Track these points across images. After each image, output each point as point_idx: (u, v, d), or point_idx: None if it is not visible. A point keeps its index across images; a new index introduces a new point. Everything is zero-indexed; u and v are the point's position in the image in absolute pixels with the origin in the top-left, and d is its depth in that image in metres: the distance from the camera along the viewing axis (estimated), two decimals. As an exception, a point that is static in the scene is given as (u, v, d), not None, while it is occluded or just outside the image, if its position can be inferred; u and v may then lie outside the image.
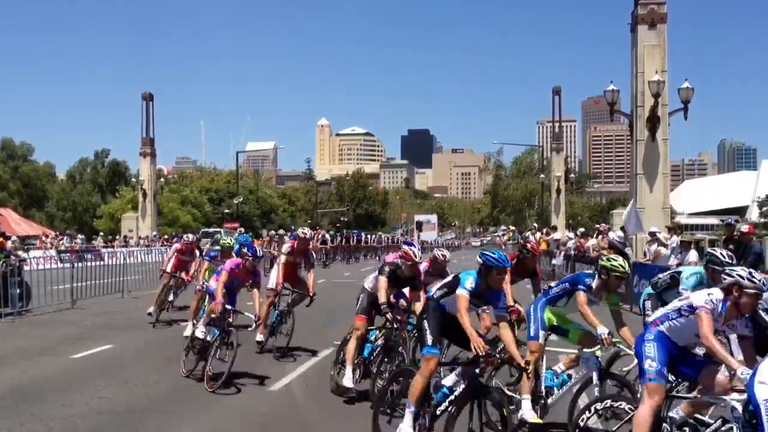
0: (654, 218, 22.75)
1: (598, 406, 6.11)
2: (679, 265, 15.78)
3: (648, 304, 7.99)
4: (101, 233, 50.96)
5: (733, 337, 5.95)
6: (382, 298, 8.24)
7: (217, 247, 14.32)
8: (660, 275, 8.12)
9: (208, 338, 9.42)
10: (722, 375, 5.57)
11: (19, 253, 17.96)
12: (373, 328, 8.80)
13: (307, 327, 11.97)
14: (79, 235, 49.33)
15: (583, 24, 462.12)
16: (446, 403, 6.22)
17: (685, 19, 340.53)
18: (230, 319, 9.15)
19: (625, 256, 19.81)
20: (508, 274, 7.64)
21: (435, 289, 6.80)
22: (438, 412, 6.24)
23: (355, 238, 47.29)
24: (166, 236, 46.85)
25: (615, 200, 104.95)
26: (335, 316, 13.92)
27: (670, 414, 5.76)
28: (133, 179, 55.81)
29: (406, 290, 8.82)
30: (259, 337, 11.22)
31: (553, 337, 7.57)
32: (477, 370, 6.18)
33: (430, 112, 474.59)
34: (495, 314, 6.48)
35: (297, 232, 11.88)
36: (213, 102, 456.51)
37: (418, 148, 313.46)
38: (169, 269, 14.81)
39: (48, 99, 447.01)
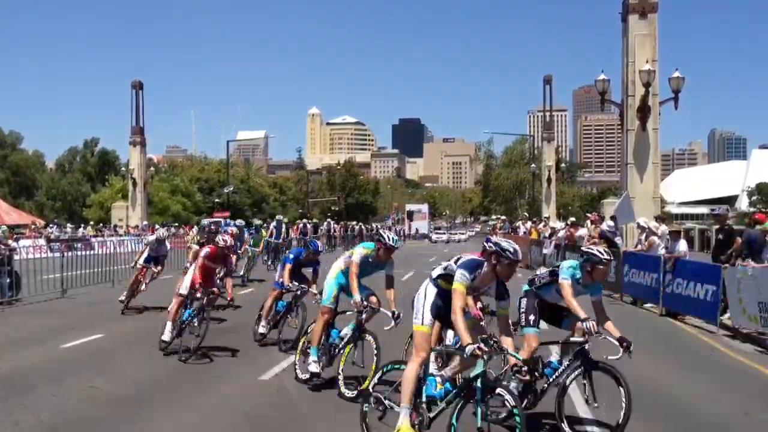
0: (644, 208, 22.81)
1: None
2: (669, 254, 15.85)
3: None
4: (91, 222, 50.77)
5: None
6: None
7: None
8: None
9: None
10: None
11: (9, 242, 17.82)
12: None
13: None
14: (69, 225, 49.13)
15: (574, 14, 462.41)
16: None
17: (675, 8, 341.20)
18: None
19: (616, 246, 19.95)
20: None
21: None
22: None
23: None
24: (156, 225, 46.66)
25: (606, 190, 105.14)
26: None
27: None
28: (123, 168, 55.58)
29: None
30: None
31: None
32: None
33: (421, 102, 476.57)
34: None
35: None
36: (203, 91, 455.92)
37: (409, 137, 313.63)
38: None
39: (36, 87, 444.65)
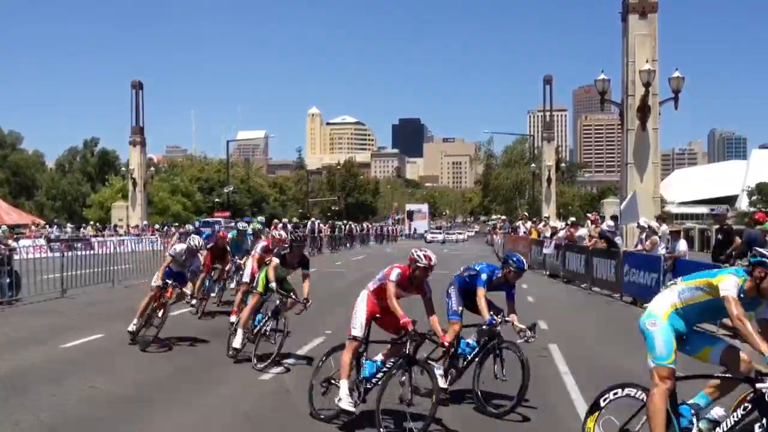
0: (644, 208, 22.78)
1: None
2: (669, 253, 15.86)
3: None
4: (91, 222, 50.81)
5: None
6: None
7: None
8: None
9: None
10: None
11: (9, 242, 17.81)
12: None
13: (299, 317, 11.94)
14: (69, 225, 49.14)
15: (574, 14, 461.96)
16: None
17: (675, 8, 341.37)
18: None
19: (616, 246, 19.96)
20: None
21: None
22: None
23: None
24: (156, 225, 46.72)
25: (606, 189, 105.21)
26: (327, 305, 13.92)
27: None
28: (123, 168, 55.54)
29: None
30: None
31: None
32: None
33: (421, 102, 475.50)
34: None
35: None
36: (203, 91, 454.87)
37: (409, 137, 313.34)
38: None
39: (37, 87, 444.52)
